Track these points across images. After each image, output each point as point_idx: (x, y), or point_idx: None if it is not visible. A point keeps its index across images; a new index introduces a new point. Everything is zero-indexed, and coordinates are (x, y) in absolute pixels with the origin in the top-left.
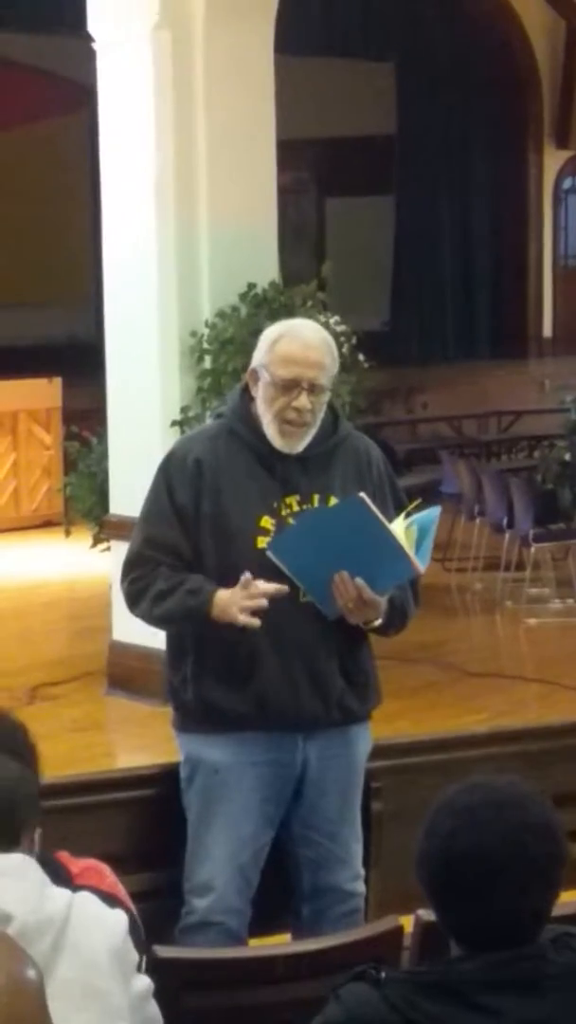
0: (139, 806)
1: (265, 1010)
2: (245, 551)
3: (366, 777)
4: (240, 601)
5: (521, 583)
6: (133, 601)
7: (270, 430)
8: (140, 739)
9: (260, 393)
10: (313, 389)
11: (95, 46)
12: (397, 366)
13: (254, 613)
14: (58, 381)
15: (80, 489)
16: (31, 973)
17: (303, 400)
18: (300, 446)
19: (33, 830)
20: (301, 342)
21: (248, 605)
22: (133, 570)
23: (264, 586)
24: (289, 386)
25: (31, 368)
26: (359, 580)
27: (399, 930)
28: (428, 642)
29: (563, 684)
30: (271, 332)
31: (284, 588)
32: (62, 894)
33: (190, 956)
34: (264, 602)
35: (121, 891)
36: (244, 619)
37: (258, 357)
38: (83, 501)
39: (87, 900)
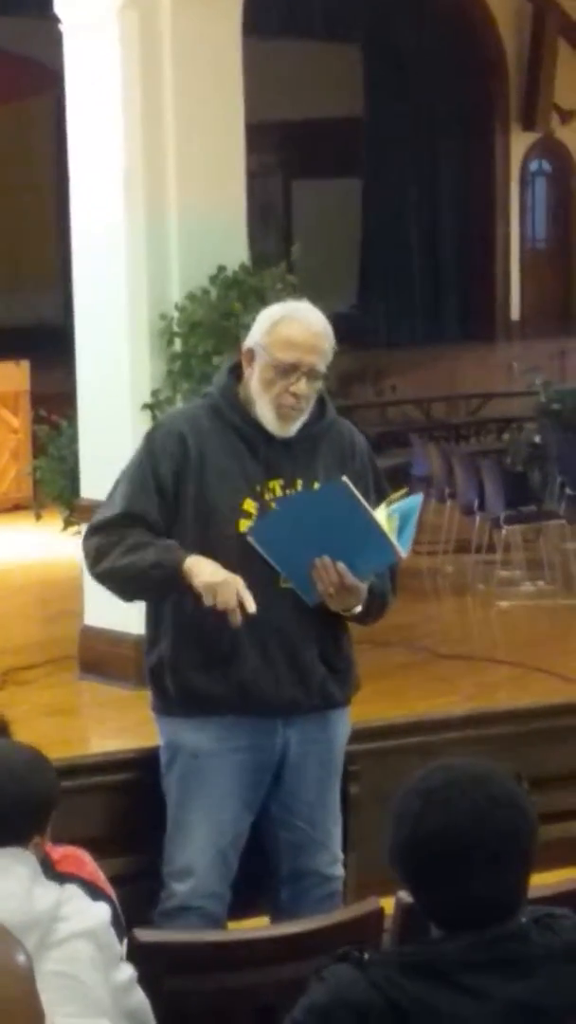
0: (118, 790)
1: (247, 993)
2: (226, 533)
3: (344, 761)
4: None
5: (492, 565)
6: (96, 559)
7: (265, 413)
8: (114, 723)
9: (256, 374)
10: (312, 374)
11: (62, 27)
12: (365, 349)
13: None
14: (26, 364)
15: (50, 473)
16: (21, 958)
17: (302, 386)
18: (294, 429)
19: (45, 825)
20: (303, 326)
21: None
22: (101, 531)
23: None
24: (288, 370)
25: None
26: (340, 565)
27: (379, 912)
28: (400, 625)
29: (535, 666)
30: (271, 312)
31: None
32: (49, 891)
33: (171, 940)
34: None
35: (101, 878)
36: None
37: (255, 337)
38: (53, 485)
39: (73, 895)
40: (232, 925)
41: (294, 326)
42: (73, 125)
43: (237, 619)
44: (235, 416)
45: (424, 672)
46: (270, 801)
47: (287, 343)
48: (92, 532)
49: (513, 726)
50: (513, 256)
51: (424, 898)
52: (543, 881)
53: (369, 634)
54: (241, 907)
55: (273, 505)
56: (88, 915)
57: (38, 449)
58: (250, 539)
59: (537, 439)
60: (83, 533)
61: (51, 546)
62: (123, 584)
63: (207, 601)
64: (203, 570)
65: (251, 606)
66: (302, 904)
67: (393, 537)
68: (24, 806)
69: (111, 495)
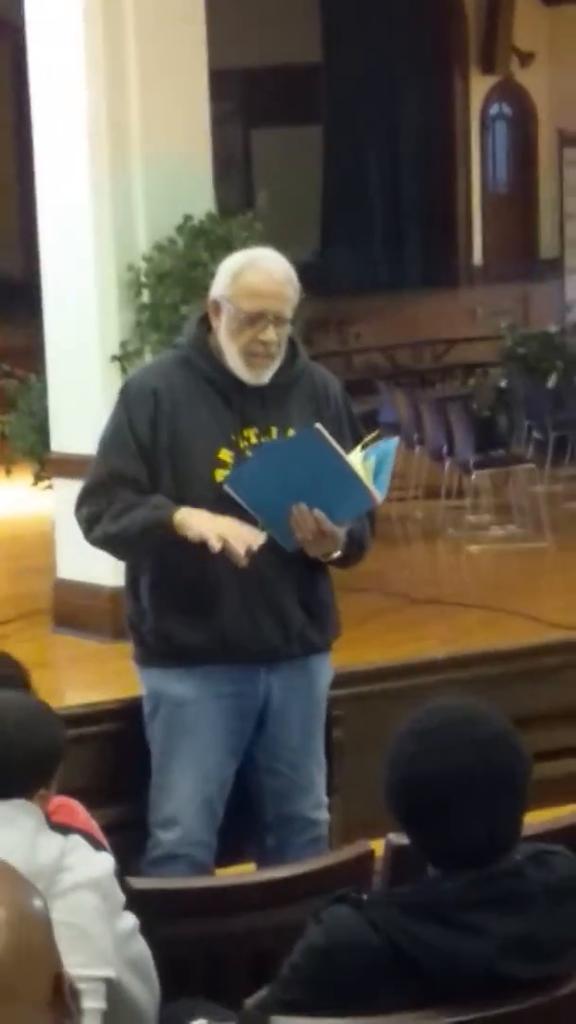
0: (102, 741)
1: (241, 938)
2: (203, 484)
3: (327, 706)
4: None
5: (462, 510)
6: (89, 526)
7: (236, 362)
8: (90, 675)
9: (223, 325)
10: (278, 321)
11: None
12: (329, 297)
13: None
14: None
15: (20, 427)
16: (37, 903)
17: (269, 333)
18: (266, 377)
19: (50, 778)
20: (265, 274)
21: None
22: (91, 497)
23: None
24: (255, 319)
25: None
26: (317, 512)
27: (370, 855)
28: (372, 571)
29: (506, 609)
30: (233, 263)
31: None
32: (54, 842)
33: (164, 887)
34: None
35: (94, 826)
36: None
37: (219, 288)
38: (23, 439)
39: (76, 845)
40: (219, 872)
41: (257, 274)
42: (34, 76)
43: (244, 560)
44: (207, 367)
45: (399, 617)
46: (254, 748)
47: (251, 292)
48: (81, 500)
49: (494, 667)
50: (475, 201)
51: (420, 838)
52: (538, 818)
53: (341, 580)
54: (227, 854)
55: (248, 454)
56: (92, 865)
57: (6, 404)
58: (226, 488)
59: (503, 383)
60: (76, 500)
61: (22, 501)
62: (118, 548)
63: (214, 547)
64: (201, 520)
65: (258, 540)
66: (288, 849)
67: (369, 481)
68: (31, 758)
69: (95, 460)
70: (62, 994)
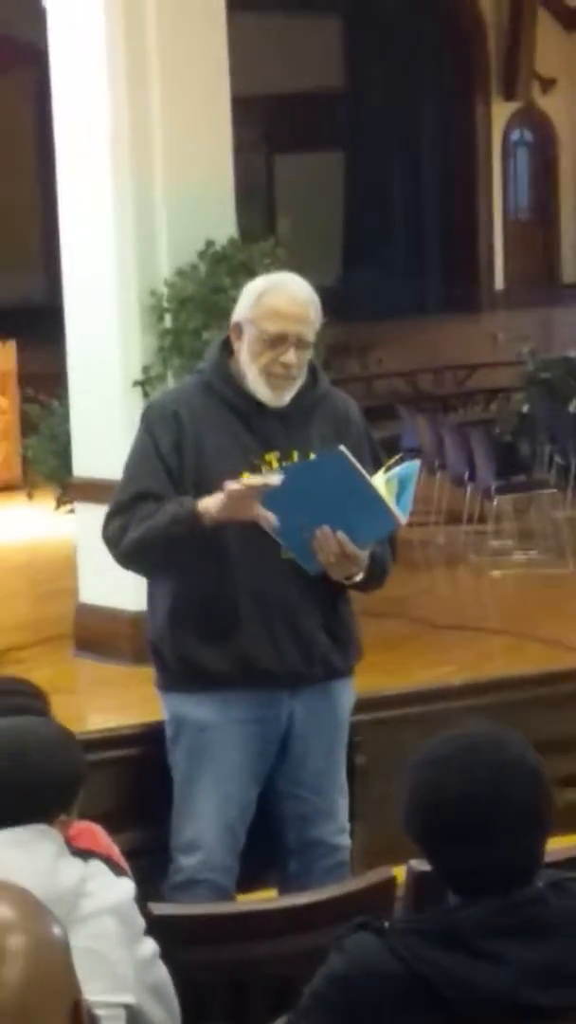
0: (125, 765)
1: (261, 964)
2: None
3: (349, 731)
4: (230, 490)
5: (484, 536)
6: (116, 541)
7: (257, 384)
8: (112, 700)
9: (245, 347)
10: (300, 344)
11: (44, 4)
12: (350, 322)
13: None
14: (12, 344)
15: (42, 452)
16: (56, 931)
17: (291, 355)
18: (287, 398)
19: (71, 804)
20: (288, 296)
21: (236, 489)
22: (116, 518)
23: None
24: (276, 341)
25: None
26: (341, 534)
27: (392, 881)
28: (394, 596)
29: (529, 635)
30: (256, 286)
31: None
32: (74, 867)
33: (185, 912)
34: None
35: (116, 852)
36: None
37: (242, 311)
38: (45, 464)
39: (97, 871)
40: (241, 897)
41: (279, 297)
42: (58, 102)
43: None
44: (228, 391)
45: (421, 643)
46: (276, 772)
47: (274, 314)
48: (107, 522)
49: (517, 693)
50: (496, 226)
51: (442, 866)
52: (561, 845)
53: (363, 605)
54: (249, 879)
55: None
56: (113, 891)
57: (28, 429)
58: None
59: (525, 409)
60: (103, 523)
61: (44, 525)
62: (149, 552)
63: (234, 510)
64: (212, 502)
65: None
66: (310, 875)
67: (392, 503)
68: (52, 784)
69: (120, 483)
70: (80, 1021)
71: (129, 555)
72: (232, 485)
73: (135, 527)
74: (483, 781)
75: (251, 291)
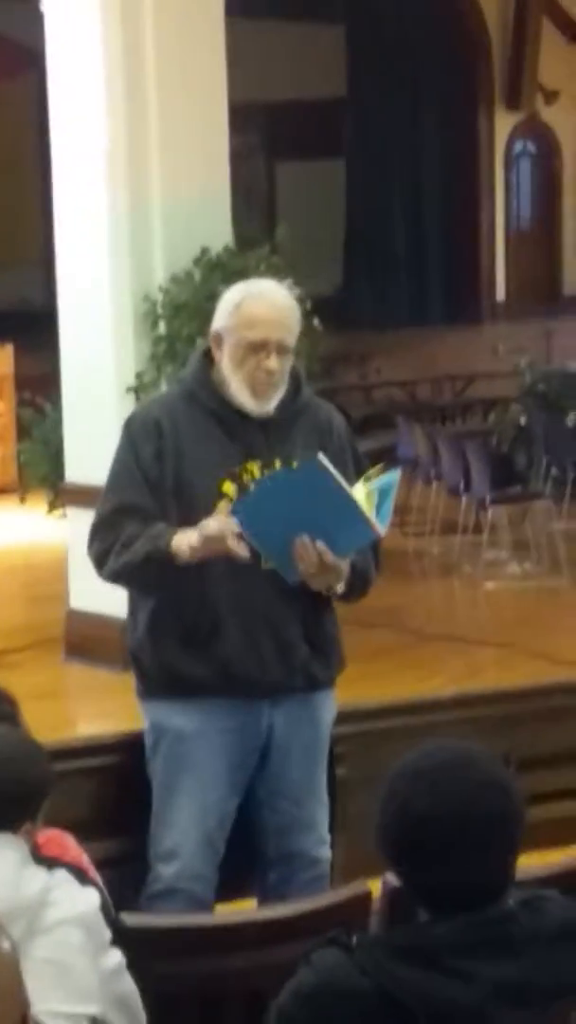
0: (103, 774)
1: (235, 977)
2: (207, 517)
3: (330, 743)
4: (206, 534)
5: (478, 546)
6: (100, 562)
7: (241, 392)
8: (100, 705)
9: (226, 356)
10: (281, 350)
11: (43, 7)
12: (350, 331)
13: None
14: (9, 348)
15: (35, 456)
16: (5, 945)
17: (272, 361)
18: (271, 406)
19: (36, 812)
20: (267, 303)
21: (211, 531)
22: (98, 534)
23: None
24: (257, 348)
25: None
26: (320, 544)
27: (367, 895)
28: (386, 606)
29: (521, 648)
30: (234, 294)
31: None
32: (38, 877)
33: (158, 924)
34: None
35: (85, 860)
36: (199, 536)
37: (220, 320)
38: (38, 468)
39: (61, 881)
40: (220, 907)
41: (258, 304)
42: (55, 105)
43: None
44: (210, 400)
45: (411, 654)
46: (256, 783)
47: (252, 321)
48: (91, 538)
49: (502, 707)
50: (498, 237)
51: (412, 881)
52: (534, 862)
53: (355, 616)
54: (229, 889)
55: (252, 486)
56: (77, 901)
57: (22, 432)
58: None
59: (522, 420)
60: (87, 536)
61: (36, 529)
62: (131, 582)
63: (209, 549)
64: (185, 545)
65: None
66: (290, 886)
67: (372, 514)
68: (16, 793)
69: (102, 496)
70: None
71: (111, 580)
72: (208, 527)
73: (115, 556)
74: (454, 798)
75: (229, 300)
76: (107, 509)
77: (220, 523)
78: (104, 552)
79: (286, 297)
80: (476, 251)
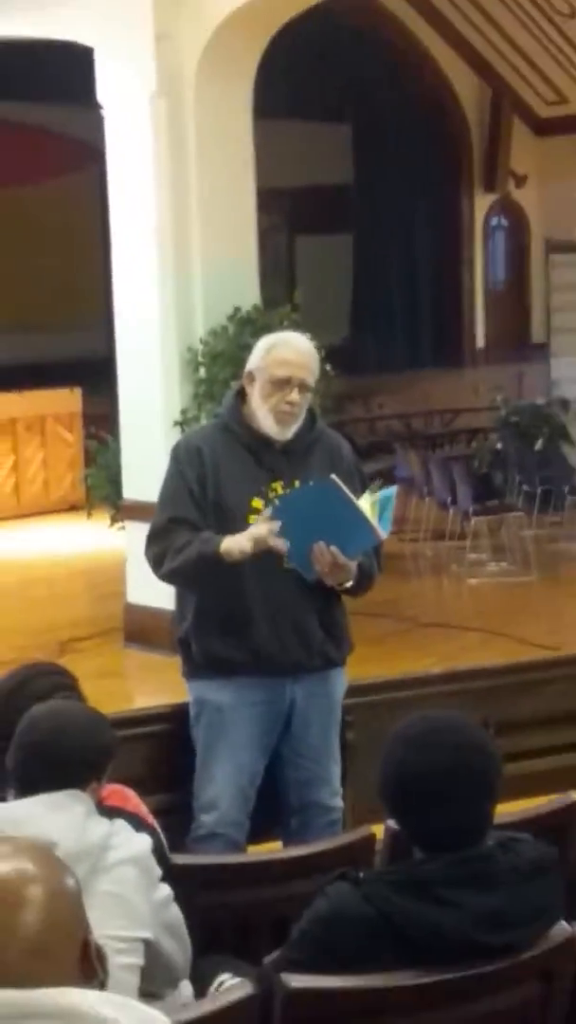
0: (156, 739)
1: (264, 906)
2: (239, 527)
3: (342, 712)
4: (257, 535)
5: (463, 550)
6: (158, 563)
7: (267, 420)
8: (153, 684)
9: (256, 391)
10: (302, 387)
11: (103, 113)
12: (357, 374)
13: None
14: (78, 391)
15: (99, 479)
16: (70, 882)
17: (295, 395)
18: (290, 433)
19: (102, 773)
20: (294, 349)
21: (261, 532)
22: (154, 541)
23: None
24: (283, 384)
25: (56, 380)
26: (333, 548)
27: (371, 838)
28: (388, 599)
29: (499, 632)
30: (267, 341)
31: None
32: (101, 825)
33: (201, 862)
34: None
35: (143, 809)
36: (249, 540)
37: (254, 361)
38: (101, 489)
39: (120, 828)
40: (251, 849)
41: (287, 349)
42: (113, 192)
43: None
44: (242, 431)
45: (408, 638)
46: (281, 745)
47: (282, 362)
48: (148, 544)
49: (483, 681)
50: (478, 296)
51: (408, 827)
52: (509, 810)
53: (362, 607)
54: (258, 834)
55: (276, 502)
56: (133, 844)
57: (89, 460)
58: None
59: (499, 446)
60: (144, 543)
61: (100, 539)
62: (185, 580)
63: (260, 546)
64: (236, 548)
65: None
66: (308, 831)
67: (375, 522)
68: (86, 755)
69: (156, 510)
70: (89, 957)
71: (167, 579)
72: (260, 528)
73: (171, 558)
74: (443, 758)
75: (262, 345)
76: (161, 520)
77: (267, 525)
78: (161, 555)
79: (309, 345)
80: (459, 307)
